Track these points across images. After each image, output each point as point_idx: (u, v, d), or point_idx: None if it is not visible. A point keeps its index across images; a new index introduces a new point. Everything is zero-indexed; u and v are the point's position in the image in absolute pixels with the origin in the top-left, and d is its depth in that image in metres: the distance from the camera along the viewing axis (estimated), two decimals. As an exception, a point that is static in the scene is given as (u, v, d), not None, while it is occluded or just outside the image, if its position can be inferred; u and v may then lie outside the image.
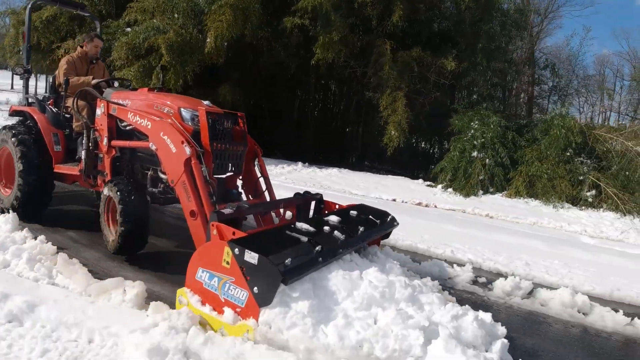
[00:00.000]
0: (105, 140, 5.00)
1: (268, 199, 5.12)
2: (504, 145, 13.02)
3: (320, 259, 3.41)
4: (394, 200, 10.93)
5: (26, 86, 6.30)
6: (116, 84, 6.02)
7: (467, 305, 3.78)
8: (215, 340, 3.05)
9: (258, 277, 3.05)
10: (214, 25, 13.39)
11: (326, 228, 3.95)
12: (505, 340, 3.52)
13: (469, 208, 10.76)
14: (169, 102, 4.75)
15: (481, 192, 12.72)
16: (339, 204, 5.07)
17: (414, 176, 14.58)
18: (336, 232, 3.88)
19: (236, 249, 3.10)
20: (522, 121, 14.97)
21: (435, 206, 10.86)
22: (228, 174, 4.93)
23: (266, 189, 5.15)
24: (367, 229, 4.33)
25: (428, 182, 13.58)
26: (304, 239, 3.53)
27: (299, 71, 16.42)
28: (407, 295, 3.47)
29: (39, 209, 5.81)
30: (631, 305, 5.34)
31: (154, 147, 4.47)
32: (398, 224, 5.09)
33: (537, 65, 21.07)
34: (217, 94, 14.07)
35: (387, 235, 5.19)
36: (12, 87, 42.49)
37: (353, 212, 4.66)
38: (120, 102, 5.03)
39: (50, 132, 5.71)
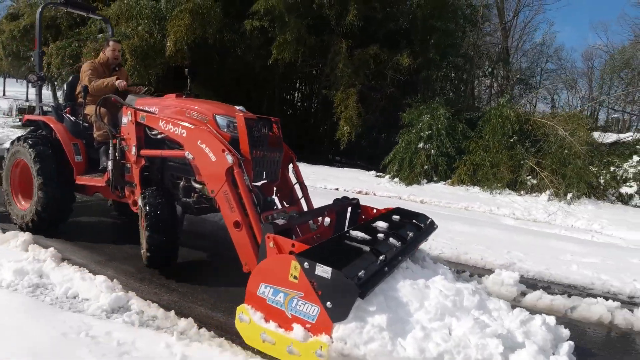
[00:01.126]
0: (133, 150, 4.80)
1: (304, 205, 4.98)
2: (451, 137, 13.92)
3: (386, 268, 3.29)
4: (337, 189, 11.53)
5: (39, 94, 6.07)
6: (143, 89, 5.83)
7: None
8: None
9: (331, 292, 2.90)
10: (173, 29, 14.37)
11: (380, 235, 3.82)
12: (572, 342, 3.46)
13: (406, 195, 11.48)
14: (201, 109, 4.57)
15: (425, 180, 13.74)
16: (376, 208, 4.95)
17: (375, 169, 15.28)
18: (391, 239, 3.75)
19: (306, 263, 2.95)
20: (472, 113, 15.69)
21: (374, 194, 11.65)
22: (262, 181, 4.76)
23: (302, 195, 5.00)
24: (415, 234, 4.22)
25: (378, 173, 14.53)
26: (366, 248, 3.40)
27: (264, 71, 16.91)
28: (476, 303, 3.36)
29: (58, 223, 5.61)
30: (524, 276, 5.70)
31: (190, 157, 4.29)
32: (437, 226, 4.98)
33: (490, 59, 22.19)
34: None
35: (426, 240, 5.08)
36: (4, 94, 41.87)
37: (396, 217, 4.54)
38: (148, 109, 4.84)
39: (70, 141, 5.50)
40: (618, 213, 11.51)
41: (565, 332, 3.61)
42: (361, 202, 5.01)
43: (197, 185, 4.61)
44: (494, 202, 11.63)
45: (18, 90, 45.30)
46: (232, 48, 16.66)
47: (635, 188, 14.34)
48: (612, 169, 14.66)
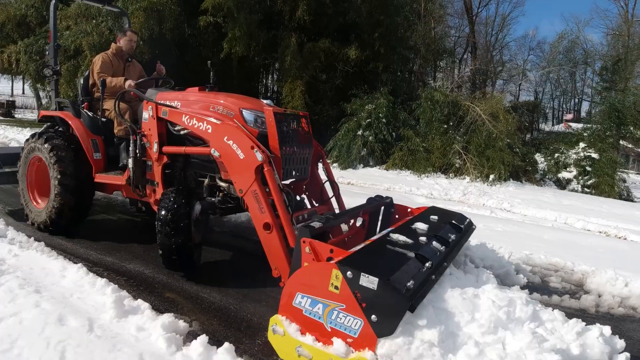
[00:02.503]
0: (155, 147, 4.57)
1: (335, 205, 4.72)
2: (392, 124, 15.44)
3: (433, 276, 3.02)
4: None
5: (55, 89, 5.86)
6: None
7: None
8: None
9: (377, 304, 2.64)
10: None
11: (422, 238, 3.55)
12: (628, 354, 3.19)
13: (336, 178, 12.12)
14: (227, 103, 4.33)
15: (361, 165, 15.11)
16: (410, 208, 4.68)
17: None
18: (434, 243, 3.49)
19: (349, 272, 2.70)
20: (410, 102, 17.12)
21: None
22: (291, 180, 4.51)
23: (334, 194, 4.74)
24: (457, 236, 3.95)
25: None
26: (410, 254, 3.14)
27: (222, 64, 17.54)
28: (530, 314, 3.08)
29: (77, 222, 5.42)
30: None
31: (216, 154, 4.05)
32: (475, 227, 4.70)
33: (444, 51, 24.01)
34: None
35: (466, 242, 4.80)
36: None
37: (434, 217, 4.27)
38: (169, 103, 4.60)
39: (89, 138, 5.29)
40: (537, 194, 12.77)
41: (621, 343, 3.32)
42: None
43: (222, 184, 4.38)
44: (418, 184, 12.59)
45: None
46: (191, 43, 17.72)
47: (574, 173, 16.85)
48: (556, 155, 17.43)
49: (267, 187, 3.76)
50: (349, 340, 2.77)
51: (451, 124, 15.12)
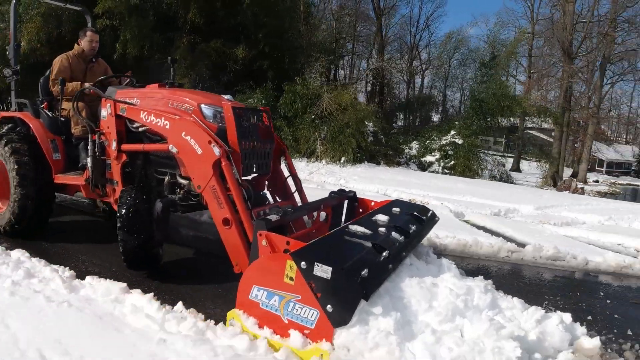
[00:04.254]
0: (114, 145, 4.46)
1: (298, 200, 4.68)
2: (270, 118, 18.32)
3: (390, 265, 3.00)
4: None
5: (15, 89, 5.71)
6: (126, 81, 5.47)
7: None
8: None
9: (332, 294, 2.62)
10: (27, 30, 16.60)
11: (381, 229, 3.53)
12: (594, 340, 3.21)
13: None
14: (186, 98, 4.26)
15: None
16: (374, 201, 4.67)
17: None
18: (393, 234, 3.48)
19: (303, 263, 2.66)
20: (282, 94, 18.83)
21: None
22: (253, 175, 4.45)
23: (296, 189, 4.70)
24: (418, 227, 3.94)
25: None
26: (367, 244, 3.11)
27: (118, 64, 18.20)
28: (489, 302, 3.09)
29: (38, 225, 5.27)
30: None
31: (174, 150, 3.98)
32: (439, 218, 4.71)
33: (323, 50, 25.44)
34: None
35: (427, 233, 4.80)
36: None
37: (396, 209, 4.26)
38: (129, 100, 4.51)
39: (48, 138, 5.15)
40: (378, 173, 14.84)
41: (581, 330, 3.35)
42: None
43: (182, 181, 4.30)
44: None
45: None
46: None
47: (437, 156, 20.35)
48: (427, 142, 21.40)
49: (226, 182, 3.71)
50: (305, 331, 2.73)
51: (314, 115, 17.33)
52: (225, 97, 4.41)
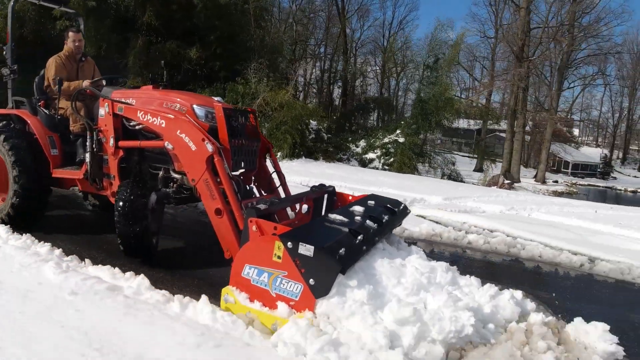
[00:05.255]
0: (111, 141, 4.83)
1: (282, 194, 5.11)
2: None
3: (364, 247, 3.45)
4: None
5: (12, 87, 6.00)
6: (104, 82, 5.81)
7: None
8: None
9: (314, 269, 3.05)
10: None
11: (357, 218, 3.98)
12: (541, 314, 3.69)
13: None
14: (180, 100, 4.65)
15: None
16: (352, 195, 5.12)
17: None
18: (368, 222, 3.93)
19: (289, 243, 3.09)
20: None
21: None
22: (240, 170, 4.87)
23: (280, 184, 5.13)
24: (390, 217, 4.40)
25: None
26: (345, 229, 3.56)
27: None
28: (449, 279, 3.57)
29: (36, 217, 5.59)
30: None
31: (170, 146, 4.37)
32: (410, 211, 5.18)
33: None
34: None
35: (399, 224, 5.26)
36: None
37: (371, 202, 4.71)
38: (125, 100, 4.88)
39: (46, 135, 5.48)
40: (310, 168, 16.07)
41: (531, 305, 3.85)
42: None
43: (176, 176, 4.68)
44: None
45: None
46: (54, 43, 18.96)
47: (378, 153, 21.90)
48: (372, 140, 23.03)
49: (218, 176, 4.11)
50: (291, 303, 3.16)
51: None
52: (216, 99, 4.81)
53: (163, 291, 3.66)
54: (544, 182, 37.77)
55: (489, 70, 41.30)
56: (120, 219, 4.42)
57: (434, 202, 10.44)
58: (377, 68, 47.80)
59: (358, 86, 44.35)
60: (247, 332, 3.09)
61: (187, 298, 3.56)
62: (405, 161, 20.93)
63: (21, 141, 5.40)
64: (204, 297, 3.46)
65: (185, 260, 5.10)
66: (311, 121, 20.36)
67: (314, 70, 41.88)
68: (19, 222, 5.42)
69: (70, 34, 5.97)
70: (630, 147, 72.96)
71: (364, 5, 46.26)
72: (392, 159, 21.42)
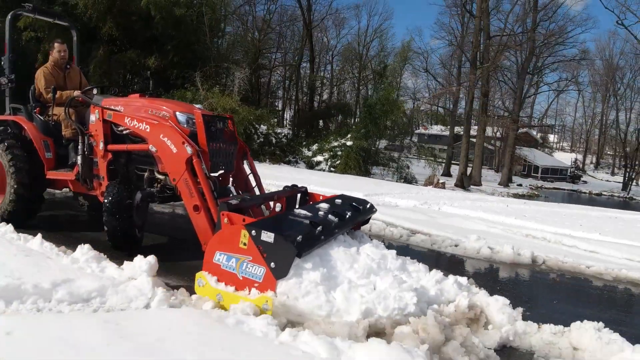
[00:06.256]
0: (101, 145, 5.27)
1: (257, 193, 5.56)
2: None
3: (323, 237, 3.91)
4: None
5: (10, 95, 6.43)
6: (95, 91, 6.24)
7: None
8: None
9: (274, 254, 3.50)
10: None
11: (320, 213, 4.44)
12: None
13: None
14: (164, 107, 5.11)
15: None
16: (322, 195, 5.57)
17: None
18: (330, 216, 4.38)
19: (253, 231, 3.55)
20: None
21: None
22: (220, 172, 5.32)
23: (256, 184, 5.58)
24: (353, 214, 4.86)
25: None
26: (306, 221, 4.02)
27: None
28: (398, 265, 4.03)
29: (31, 215, 6.00)
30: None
31: (153, 149, 4.82)
32: (376, 210, 5.64)
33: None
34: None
35: (366, 222, 5.72)
36: None
37: (338, 201, 5.17)
38: (114, 107, 5.33)
39: (41, 139, 5.90)
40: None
41: (475, 289, 4.31)
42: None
43: (160, 176, 5.13)
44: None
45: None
46: (23, 52, 20.08)
47: (326, 156, 23.78)
48: (323, 144, 24.75)
49: (196, 176, 4.56)
50: (255, 285, 3.61)
51: None
52: (197, 106, 5.27)
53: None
54: (507, 185, 39.02)
55: (455, 77, 43.21)
56: (108, 215, 4.86)
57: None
58: (354, 75, 50.45)
59: (322, 92, 48.00)
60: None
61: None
62: (349, 163, 22.37)
63: (18, 145, 5.82)
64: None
65: (167, 253, 5.53)
66: (262, 126, 21.68)
67: (272, 77, 45.04)
68: (17, 220, 5.82)
69: (56, 45, 6.41)
70: (607, 153, 74.35)
71: (334, 14, 50.02)
72: (338, 162, 22.95)
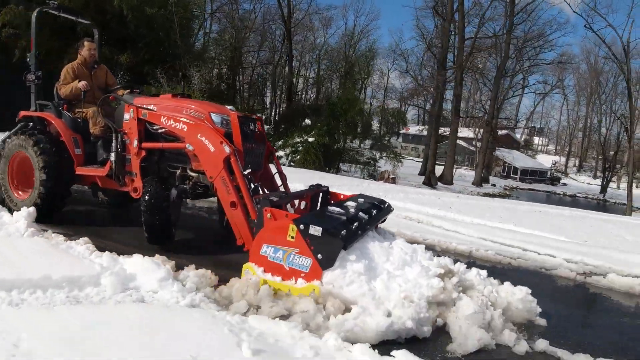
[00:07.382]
0: (135, 143, 5.51)
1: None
2: None
3: (359, 232, 4.24)
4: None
5: (36, 92, 6.58)
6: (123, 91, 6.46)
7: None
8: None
9: (321, 246, 3.83)
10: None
11: (351, 210, 4.77)
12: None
13: None
14: (198, 107, 5.36)
15: None
16: (343, 194, 5.90)
17: None
18: (360, 213, 4.72)
19: (301, 225, 3.86)
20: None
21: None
22: (248, 170, 5.60)
23: (282, 183, 5.89)
24: (377, 212, 5.21)
25: None
26: (343, 217, 4.35)
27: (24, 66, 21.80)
28: (427, 257, 4.38)
29: (56, 210, 6.17)
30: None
31: (190, 148, 5.09)
32: (393, 209, 5.99)
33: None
34: None
35: (384, 221, 6.06)
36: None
37: (361, 200, 5.51)
38: (147, 107, 5.57)
39: (71, 136, 6.10)
40: None
41: (483, 273, 4.66)
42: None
43: (192, 174, 5.39)
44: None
45: None
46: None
47: (287, 151, 24.99)
48: (288, 140, 25.95)
49: (232, 174, 4.84)
50: (302, 275, 3.93)
51: None
52: (229, 107, 5.55)
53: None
54: (480, 185, 40.16)
55: (427, 77, 45.06)
56: (147, 211, 5.10)
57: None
58: (340, 75, 51.66)
59: (308, 91, 49.52)
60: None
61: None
62: (308, 158, 23.49)
63: (47, 141, 5.99)
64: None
65: (197, 248, 5.81)
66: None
67: (252, 75, 45.87)
68: (44, 214, 6.01)
69: (86, 43, 6.58)
70: (593, 156, 76.40)
71: (319, 13, 50.79)
72: (298, 157, 24.01)
